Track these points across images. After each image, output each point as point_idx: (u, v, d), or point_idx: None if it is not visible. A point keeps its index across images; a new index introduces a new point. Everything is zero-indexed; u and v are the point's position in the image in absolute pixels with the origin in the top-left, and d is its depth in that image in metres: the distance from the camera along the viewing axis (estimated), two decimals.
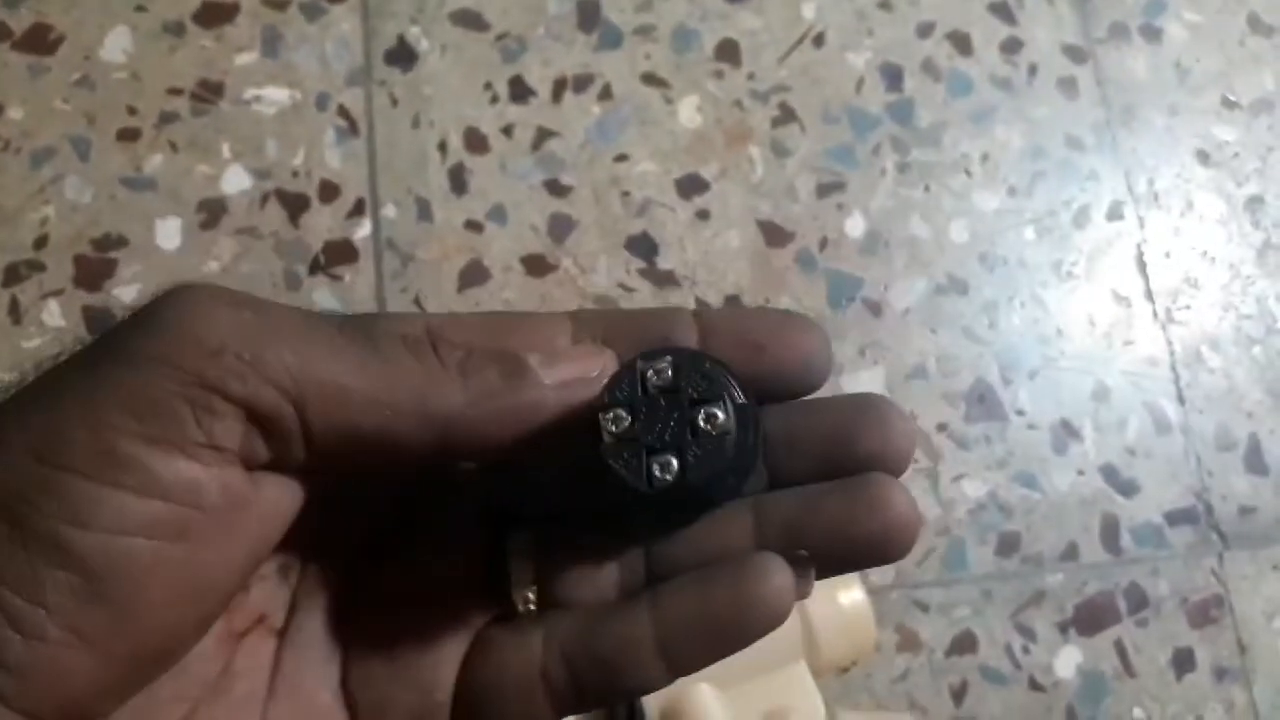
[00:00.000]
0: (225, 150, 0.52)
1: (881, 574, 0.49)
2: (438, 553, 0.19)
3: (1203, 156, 0.57)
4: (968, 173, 0.55)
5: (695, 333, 0.19)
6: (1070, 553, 0.50)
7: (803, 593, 0.18)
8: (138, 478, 0.15)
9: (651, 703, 0.41)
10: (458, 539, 0.19)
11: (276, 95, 0.53)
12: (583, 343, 0.18)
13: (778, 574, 0.17)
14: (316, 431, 0.16)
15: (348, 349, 0.16)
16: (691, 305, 0.51)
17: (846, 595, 0.44)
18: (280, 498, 0.17)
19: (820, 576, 0.18)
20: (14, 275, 0.49)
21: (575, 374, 0.17)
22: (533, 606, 0.18)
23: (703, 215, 0.53)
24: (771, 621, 0.17)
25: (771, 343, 0.18)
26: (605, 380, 0.18)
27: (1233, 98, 0.58)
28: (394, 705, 0.18)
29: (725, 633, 0.17)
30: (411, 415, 0.16)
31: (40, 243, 0.50)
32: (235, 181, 0.51)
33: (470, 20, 0.55)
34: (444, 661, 0.18)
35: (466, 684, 0.18)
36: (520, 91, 0.54)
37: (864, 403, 0.18)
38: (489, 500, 0.20)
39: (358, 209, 0.52)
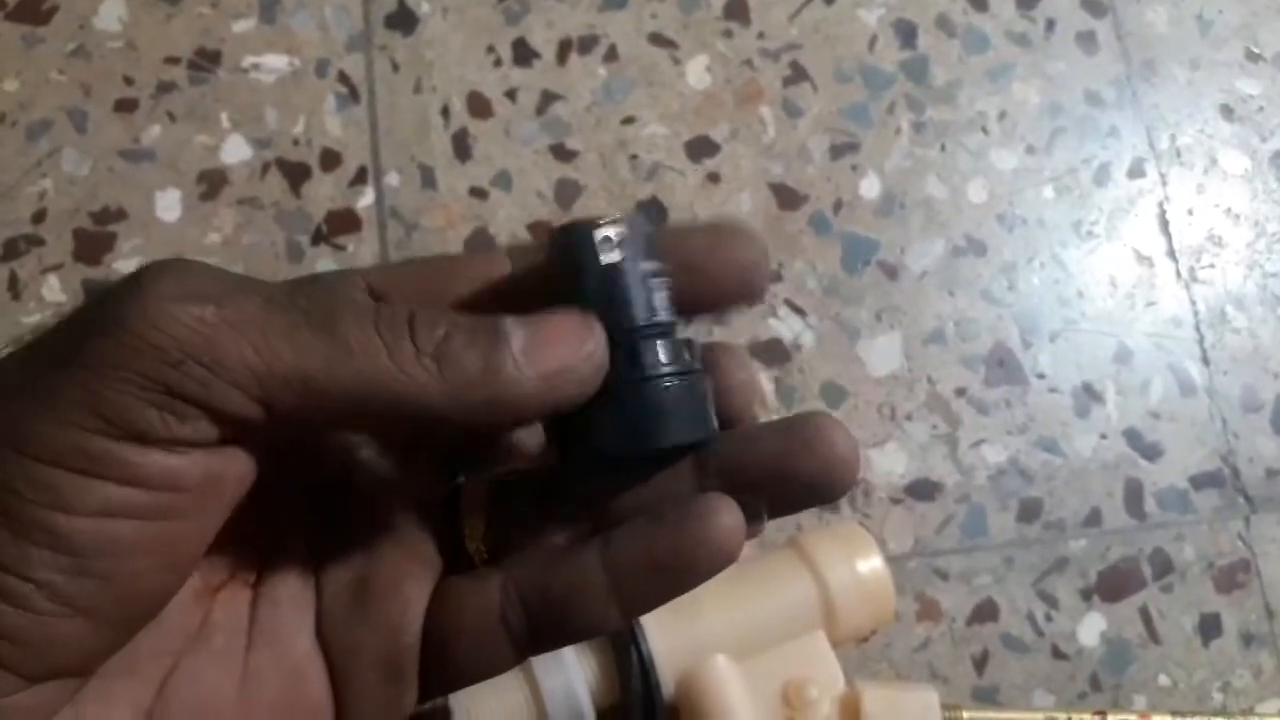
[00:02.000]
0: (224, 120, 0.51)
1: (900, 542, 0.48)
2: (398, 502, 0.20)
3: (1226, 111, 0.55)
4: (985, 131, 0.54)
5: None
6: (1093, 518, 0.49)
7: (754, 532, 0.18)
8: (116, 469, 0.16)
9: (668, 673, 0.41)
10: (416, 487, 0.20)
11: (275, 63, 0.52)
12: (567, 312, 0.18)
13: (725, 513, 0.17)
14: (284, 421, 0.16)
15: (314, 343, 0.16)
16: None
17: (865, 563, 0.43)
18: (249, 462, 0.17)
19: (771, 516, 0.19)
20: (13, 250, 0.48)
21: (560, 361, 0.17)
22: (485, 555, 0.19)
23: (713, 178, 0.52)
24: (720, 560, 0.17)
25: (709, 261, 0.19)
26: (595, 365, 0.17)
27: (1256, 50, 0.56)
28: (365, 649, 0.18)
29: (675, 574, 0.17)
30: (384, 407, 0.16)
31: (38, 217, 0.49)
32: (235, 151, 0.50)
33: None
34: (410, 606, 0.19)
35: (431, 628, 0.19)
36: (524, 54, 0.53)
37: (801, 425, 0.18)
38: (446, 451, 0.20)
39: (360, 177, 0.51)
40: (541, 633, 0.18)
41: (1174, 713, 0.43)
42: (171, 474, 0.16)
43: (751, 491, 0.18)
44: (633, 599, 0.18)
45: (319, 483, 0.20)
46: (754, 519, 0.18)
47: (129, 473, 0.16)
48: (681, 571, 0.18)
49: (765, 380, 0.49)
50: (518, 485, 0.20)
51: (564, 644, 0.18)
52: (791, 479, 0.18)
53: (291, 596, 0.19)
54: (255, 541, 0.19)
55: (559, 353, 0.17)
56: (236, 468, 0.17)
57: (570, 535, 0.19)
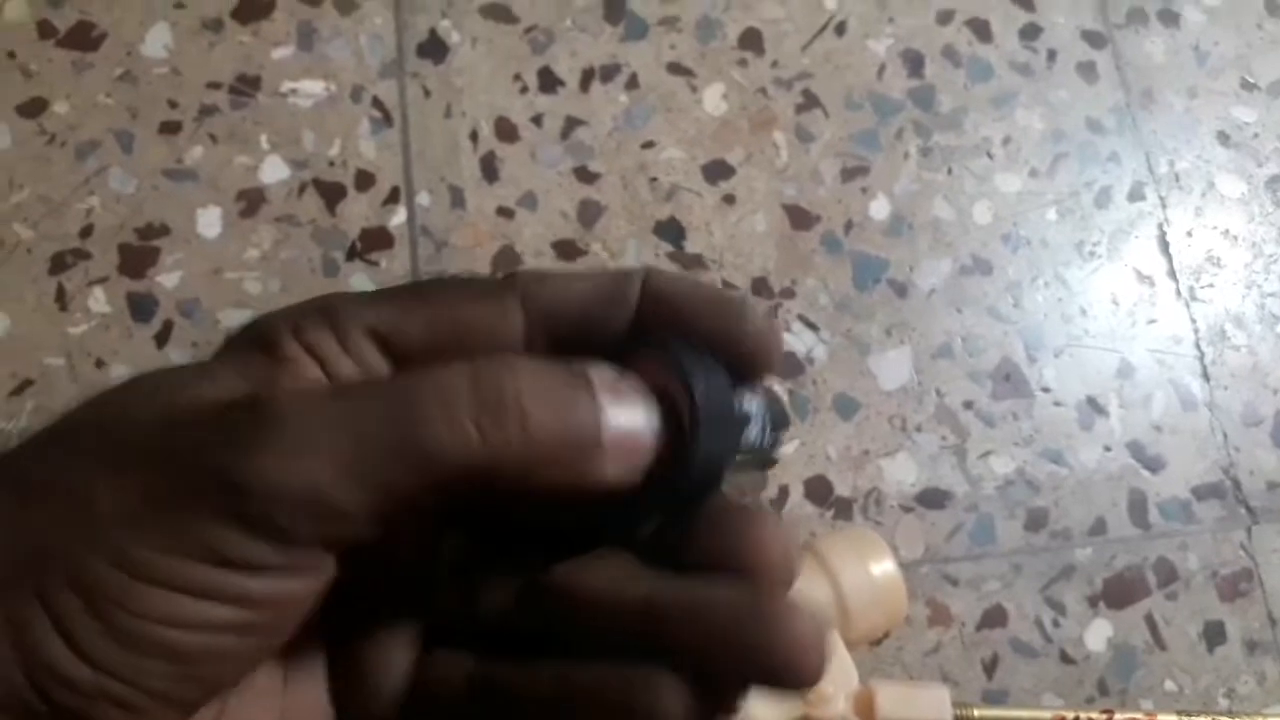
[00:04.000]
0: (263, 141, 0.53)
1: (911, 549, 0.50)
2: (394, 558, 0.20)
3: (1223, 138, 0.57)
4: (989, 155, 0.56)
5: (633, 304, 0.18)
6: (1099, 527, 0.51)
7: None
8: (228, 593, 0.16)
9: None
10: (414, 543, 0.20)
11: (312, 88, 0.54)
12: (629, 381, 0.17)
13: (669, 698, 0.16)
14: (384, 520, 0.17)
15: (348, 439, 0.16)
16: (719, 287, 0.52)
17: (878, 566, 0.45)
18: (336, 560, 0.18)
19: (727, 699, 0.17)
20: (60, 263, 0.51)
21: (630, 445, 0.17)
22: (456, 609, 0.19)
23: (729, 200, 0.54)
24: None
25: (721, 330, 0.18)
26: (653, 447, 0.17)
27: (1251, 80, 0.58)
28: (361, 710, 0.19)
29: None
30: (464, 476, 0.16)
31: (86, 232, 0.51)
32: (273, 171, 0.53)
33: (499, 13, 0.56)
34: (397, 668, 0.19)
35: (411, 694, 0.19)
36: (549, 82, 0.55)
37: (741, 519, 0.18)
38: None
39: (393, 197, 0.53)
40: None
41: (1180, 712, 0.44)
42: (279, 595, 0.17)
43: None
44: None
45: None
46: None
47: (238, 596, 0.16)
48: None
49: (780, 392, 0.51)
50: (496, 543, 0.20)
51: None
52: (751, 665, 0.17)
53: (312, 646, 0.19)
54: None
55: (629, 438, 0.17)
56: (329, 570, 0.17)
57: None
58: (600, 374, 0.17)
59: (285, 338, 0.18)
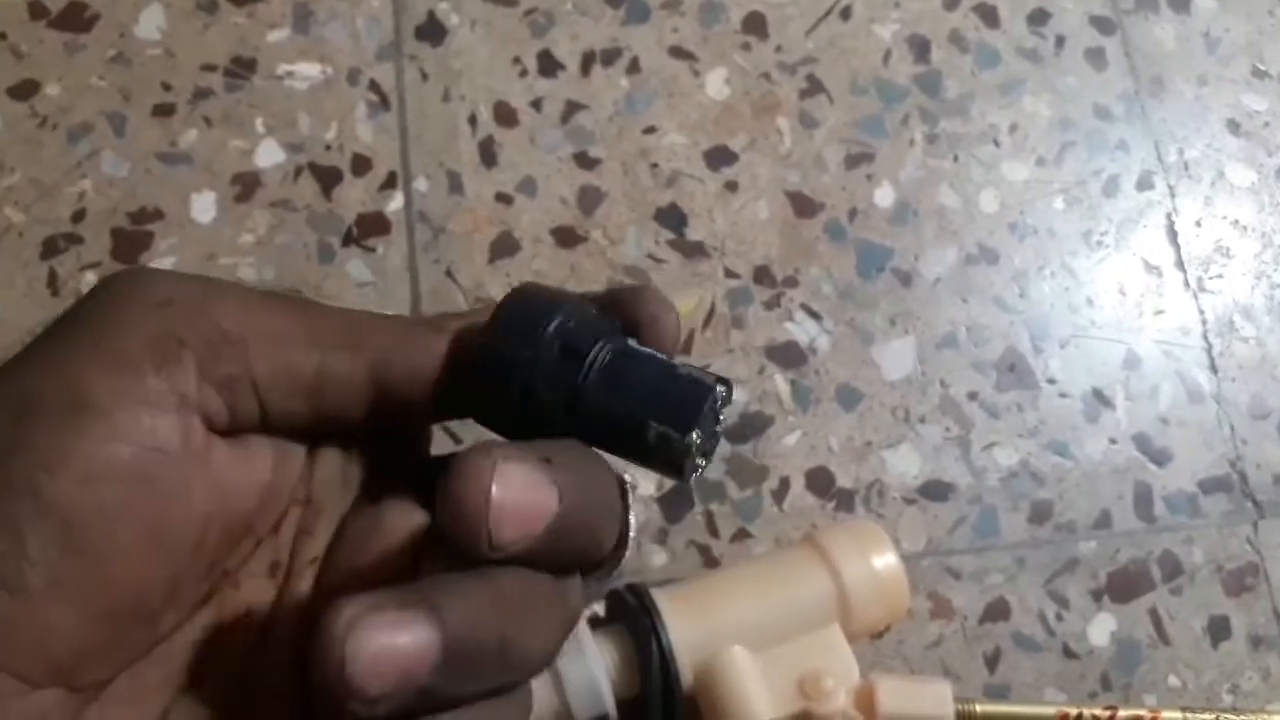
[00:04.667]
0: (258, 125, 0.52)
1: (913, 541, 0.49)
2: (388, 530, 0.19)
3: (1233, 126, 0.56)
4: (996, 143, 0.55)
5: None
6: (1103, 520, 0.50)
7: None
8: (103, 426, 0.16)
9: (686, 664, 0.42)
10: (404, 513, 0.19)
11: (308, 71, 0.53)
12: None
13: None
14: (261, 376, 0.17)
15: (285, 303, 0.18)
16: (721, 276, 0.52)
17: (880, 558, 0.44)
18: (237, 468, 0.18)
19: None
20: (52, 248, 0.50)
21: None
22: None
23: (731, 186, 0.53)
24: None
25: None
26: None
27: (1262, 67, 0.57)
28: None
29: None
30: (344, 351, 0.18)
31: (78, 216, 0.50)
32: (269, 155, 0.52)
33: None
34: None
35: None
36: (549, 65, 0.54)
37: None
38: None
39: (389, 182, 0.52)
40: None
41: (1185, 708, 0.44)
42: (152, 432, 0.16)
43: None
44: None
45: (335, 521, 0.20)
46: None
47: (113, 428, 0.16)
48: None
49: (781, 382, 0.51)
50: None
51: None
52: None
53: (297, 636, 0.19)
54: (272, 585, 0.19)
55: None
56: (218, 460, 0.17)
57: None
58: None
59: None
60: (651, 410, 0.17)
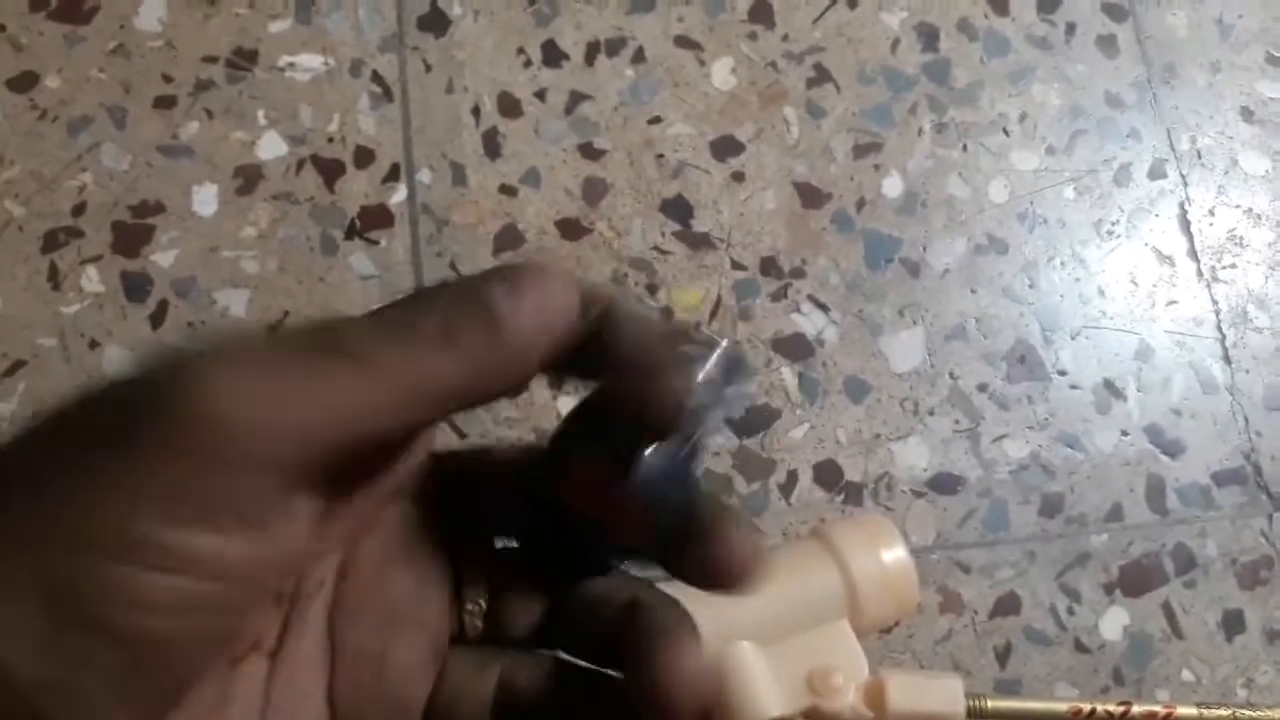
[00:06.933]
0: (260, 117, 0.52)
1: (922, 535, 0.48)
2: (414, 570, 0.19)
3: (1247, 113, 0.56)
4: (1005, 132, 0.54)
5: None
6: (1115, 513, 0.49)
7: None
8: (170, 559, 0.15)
9: None
10: (434, 553, 0.20)
11: (310, 62, 0.53)
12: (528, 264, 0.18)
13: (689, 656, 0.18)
14: (332, 463, 0.16)
15: (336, 371, 0.16)
16: (728, 268, 0.51)
17: (889, 553, 0.43)
18: (297, 541, 0.17)
19: None
20: (53, 241, 0.49)
21: (540, 301, 0.17)
22: (479, 624, 0.20)
23: (738, 177, 0.53)
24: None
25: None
26: (571, 294, 0.17)
27: (1276, 54, 0.57)
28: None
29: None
30: (419, 404, 0.17)
31: (78, 209, 0.50)
32: (271, 148, 0.51)
33: None
34: (419, 688, 0.19)
35: (433, 704, 0.19)
36: (553, 55, 0.54)
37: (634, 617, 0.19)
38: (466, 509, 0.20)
39: (393, 174, 0.52)
40: None
41: (1200, 704, 0.43)
42: (221, 562, 0.16)
43: None
44: None
45: (345, 548, 0.20)
46: None
47: (180, 561, 0.15)
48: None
49: (789, 374, 0.50)
50: (517, 557, 0.20)
51: None
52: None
53: (308, 665, 0.19)
54: (280, 612, 0.19)
55: (537, 296, 0.17)
56: (279, 554, 0.17)
57: (538, 619, 0.20)
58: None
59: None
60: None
